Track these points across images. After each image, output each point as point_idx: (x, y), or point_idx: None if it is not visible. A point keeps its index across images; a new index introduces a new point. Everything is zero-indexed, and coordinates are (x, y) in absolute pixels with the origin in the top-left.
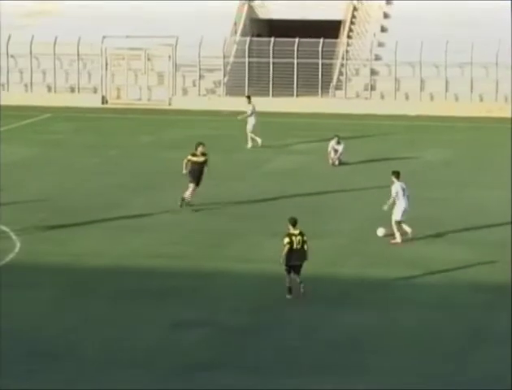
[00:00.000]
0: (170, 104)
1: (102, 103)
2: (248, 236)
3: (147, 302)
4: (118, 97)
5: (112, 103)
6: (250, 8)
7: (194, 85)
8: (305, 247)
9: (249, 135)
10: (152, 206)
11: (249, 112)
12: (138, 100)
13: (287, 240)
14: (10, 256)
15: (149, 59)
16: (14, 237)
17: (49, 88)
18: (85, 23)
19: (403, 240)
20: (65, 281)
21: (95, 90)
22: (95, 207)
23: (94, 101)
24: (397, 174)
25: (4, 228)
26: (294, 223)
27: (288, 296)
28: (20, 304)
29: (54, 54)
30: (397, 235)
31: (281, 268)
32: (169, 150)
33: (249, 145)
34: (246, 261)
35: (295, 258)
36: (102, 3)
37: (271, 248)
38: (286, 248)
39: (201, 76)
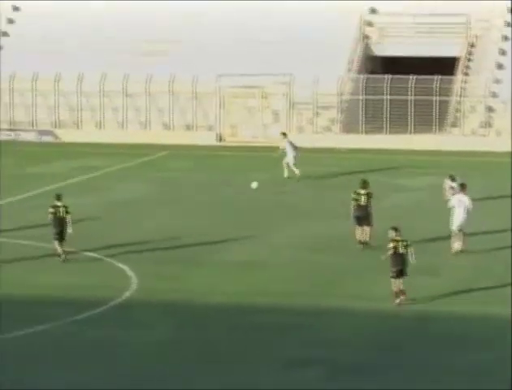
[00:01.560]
0: None
1: (218, 141)
2: (363, 273)
3: (261, 339)
4: (233, 134)
5: (228, 141)
6: (365, 45)
7: (310, 123)
8: (409, 251)
9: (284, 165)
10: (265, 244)
11: (285, 147)
12: (254, 138)
13: (391, 245)
14: (127, 294)
15: (264, 97)
16: (130, 275)
17: (166, 126)
18: (201, 62)
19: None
20: (179, 318)
21: (211, 128)
22: (209, 244)
23: (210, 139)
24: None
25: (121, 266)
26: (396, 229)
27: (397, 301)
28: (136, 340)
29: (171, 92)
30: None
31: (397, 306)
32: (283, 188)
33: (285, 174)
34: (362, 298)
35: (399, 263)
36: (218, 42)
37: (386, 285)
38: (390, 252)
39: (316, 114)
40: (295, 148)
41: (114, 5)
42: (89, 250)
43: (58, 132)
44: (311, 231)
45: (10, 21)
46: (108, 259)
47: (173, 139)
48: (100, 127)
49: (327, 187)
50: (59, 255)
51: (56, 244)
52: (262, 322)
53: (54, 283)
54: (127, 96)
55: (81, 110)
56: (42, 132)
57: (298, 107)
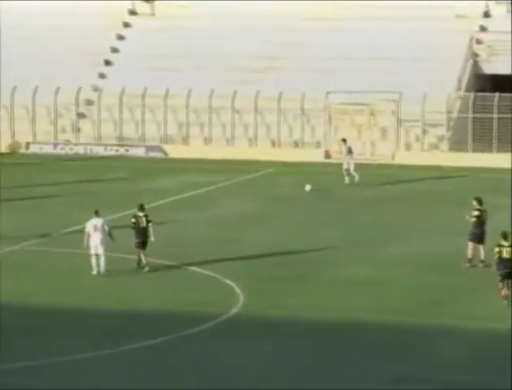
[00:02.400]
0: (393, 159)
1: (325, 158)
2: (472, 292)
3: (367, 356)
4: (341, 151)
5: (335, 158)
6: (474, 63)
7: (417, 140)
8: None
9: (344, 172)
10: (373, 261)
11: (344, 152)
12: (361, 155)
13: (496, 249)
14: (234, 310)
15: (372, 114)
16: (238, 291)
17: (273, 143)
18: (310, 79)
19: None
20: (283, 335)
21: (318, 145)
22: (316, 260)
23: (317, 156)
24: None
25: (229, 282)
26: (505, 235)
27: (505, 303)
28: (241, 357)
29: (279, 109)
30: None
31: (505, 326)
32: (392, 205)
33: (346, 180)
34: (469, 317)
35: (504, 266)
36: (326, 59)
37: (495, 305)
38: (496, 256)
39: (424, 131)
40: (350, 153)
41: (222, 22)
42: (197, 266)
43: (166, 147)
44: (419, 248)
45: (121, 37)
46: (215, 275)
47: (280, 156)
48: (208, 143)
49: (434, 204)
50: (138, 263)
51: (139, 253)
52: (367, 340)
53: (163, 297)
54: (235, 112)
55: (189, 125)
56: (151, 148)
57: (406, 125)
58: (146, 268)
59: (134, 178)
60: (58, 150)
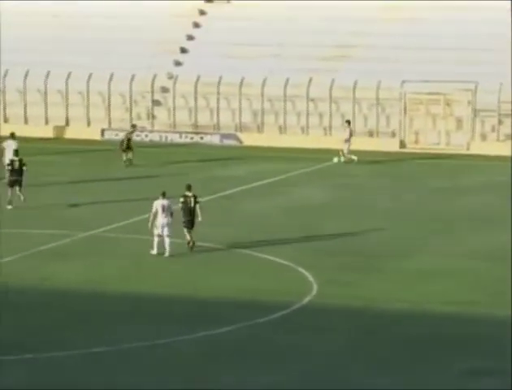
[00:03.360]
0: (468, 149)
1: (400, 147)
2: None
3: (440, 348)
4: (416, 141)
5: (410, 147)
6: None
7: (493, 131)
8: None
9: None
10: (448, 252)
11: (347, 136)
12: (436, 144)
13: None
14: (307, 298)
15: (447, 104)
16: (311, 280)
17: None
18: (385, 68)
19: None
20: (356, 324)
21: (393, 134)
22: (389, 251)
23: (392, 146)
24: None
25: (302, 271)
26: None
27: None
28: (314, 346)
29: (354, 98)
30: None
31: None
32: (466, 196)
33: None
34: None
35: None
36: (402, 48)
37: None
38: None
39: (500, 122)
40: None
41: (298, 11)
42: (270, 254)
43: (240, 135)
44: (493, 239)
45: (196, 25)
46: (289, 263)
47: (355, 145)
48: (282, 132)
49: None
50: (188, 242)
51: (186, 231)
52: (442, 331)
53: (236, 285)
54: (310, 101)
55: (264, 114)
56: (225, 136)
57: (482, 115)
58: (190, 245)
59: (209, 165)
60: (134, 137)
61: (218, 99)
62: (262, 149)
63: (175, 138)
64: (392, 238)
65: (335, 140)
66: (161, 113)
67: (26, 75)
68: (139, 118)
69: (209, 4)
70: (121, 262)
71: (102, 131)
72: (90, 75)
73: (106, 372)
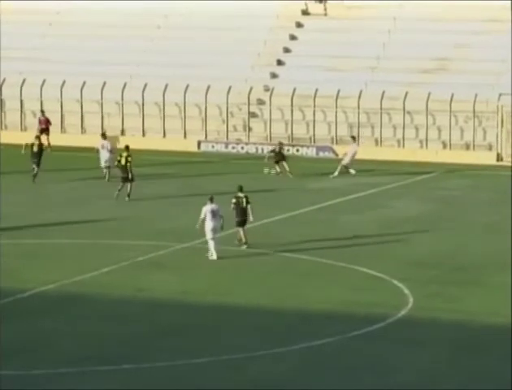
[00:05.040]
0: None
1: (497, 160)
2: None
3: None
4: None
5: (507, 161)
6: None
7: None
8: None
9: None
10: None
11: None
12: None
13: None
14: (403, 311)
15: None
16: (407, 292)
17: (444, 145)
18: (482, 81)
19: None
20: (455, 339)
21: (490, 147)
22: (488, 264)
23: (489, 159)
24: None
25: (397, 284)
26: None
27: None
28: (409, 360)
29: (450, 111)
30: None
31: None
32: None
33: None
34: None
35: None
36: (499, 60)
37: None
38: None
39: None
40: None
41: (393, 24)
42: (365, 266)
43: (336, 148)
44: None
45: (293, 38)
46: (384, 276)
47: (451, 158)
48: (378, 144)
49: None
50: (239, 240)
51: (239, 231)
52: None
53: (331, 297)
54: (406, 113)
55: (360, 126)
56: (321, 148)
57: None
58: (244, 246)
59: (304, 177)
60: (230, 149)
61: (314, 111)
62: (358, 161)
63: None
64: (490, 251)
65: (430, 153)
66: (257, 125)
67: (124, 87)
68: (235, 130)
69: (306, 17)
70: (218, 273)
71: (199, 143)
72: (187, 87)
73: (209, 383)
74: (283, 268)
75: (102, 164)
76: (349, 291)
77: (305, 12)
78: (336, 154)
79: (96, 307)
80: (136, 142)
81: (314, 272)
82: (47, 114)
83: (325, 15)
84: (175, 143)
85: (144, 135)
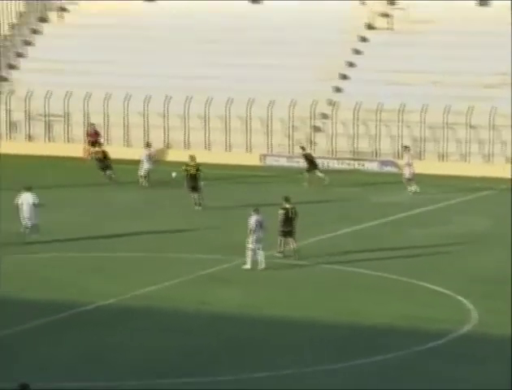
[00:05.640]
0: None
1: None
2: None
3: None
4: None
5: None
6: None
7: None
8: None
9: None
10: None
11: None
12: None
13: None
14: (466, 327)
15: None
16: (470, 308)
17: (507, 160)
18: None
19: None
20: None
21: None
22: None
23: None
24: None
25: (460, 299)
26: None
27: None
28: (472, 376)
29: None
30: None
31: None
32: None
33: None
34: None
35: None
36: None
37: None
38: None
39: None
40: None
41: (458, 38)
42: (427, 281)
43: (400, 162)
44: None
45: (357, 52)
46: (446, 291)
47: None
48: (442, 159)
49: None
50: (281, 251)
51: (286, 241)
52: None
53: (392, 312)
54: (470, 128)
55: (424, 141)
56: (384, 162)
57: None
58: (297, 256)
59: (368, 192)
60: (293, 163)
61: (377, 126)
62: (422, 176)
63: (335, 164)
64: None
65: (495, 169)
66: (321, 139)
67: (188, 101)
68: (299, 143)
69: (370, 31)
70: (279, 287)
71: (262, 156)
72: (251, 101)
73: None
74: (345, 282)
75: (142, 173)
76: (412, 305)
77: (369, 26)
78: (399, 168)
79: (159, 320)
80: (201, 156)
81: (376, 286)
82: (115, 128)
83: (390, 28)
84: (239, 157)
85: (208, 148)
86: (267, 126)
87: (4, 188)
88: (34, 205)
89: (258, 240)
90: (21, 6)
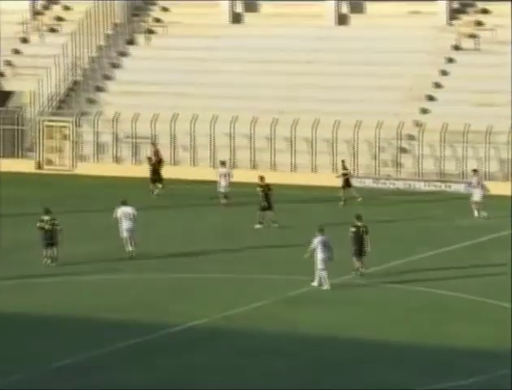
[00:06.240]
0: None
1: None
2: None
3: None
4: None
5: None
6: None
7: None
8: None
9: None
10: None
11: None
12: None
13: None
14: None
15: None
16: None
17: None
18: None
19: None
20: None
21: None
22: None
23: None
24: None
25: None
26: None
27: None
28: None
29: None
30: None
31: None
32: None
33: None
34: None
35: None
36: None
37: None
38: None
39: None
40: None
41: None
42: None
43: (488, 184)
44: None
45: (444, 73)
46: None
47: None
48: None
49: None
50: (357, 269)
51: (354, 259)
52: None
53: (479, 335)
54: None
55: None
56: (471, 184)
57: None
58: (358, 272)
59: (454, 214)
60: (380, 185)
61: (464, 147)
62: (509, 198)
63: (421, 186)
64: None
65: None
66: (407, 160)
67: (275, 123)
68: (385, 165)
69: (457, 52)
70: (368, 308)
71: None
72: (337, 123)
73: None
74: (431, 304)
75: (221, 190)
76: (499, 328)
77: (456, 47)
78: (487, 190)
79: (249, 342)
80: (286, 177)
81: (461, 309)
82: (202, 148)
83: (477, 49)
84: (325, 178)
85: (293, 170)
86: (353, 147)
87: (94, 210)
88: (133, 216)
89: (323, 260)
90: (109, 29)
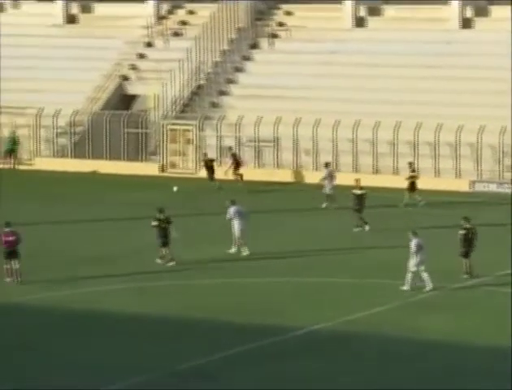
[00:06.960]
0: None
1: None
2: None
3: None
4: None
5: None
6: None
7: None
8: None
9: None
10: None
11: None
12: None
13: None
14: None
15: None
16: None
17: None
18: None
19: None
20: None
21: None
22: None
23: None
24: None
25: None
26: None
27: None
28: None
29: None
30: None
31: None
32: None
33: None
34: None
35: None
36: None
37: None
38: None
39: None
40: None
41: None
42: None
43: None
44: None
45: None
46: None
47: None
48: None
49: None
50: (466, 272)
51: (463, 261)
52: None
53: None
54: None
55: None
56: None
57: None
58: (465, 276)
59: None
60: (503, 189)
61: None
62: None
63: None
64: None
65: None
66: None
67: (398, 127)
68: (508, 170)
69: None
70: (485, 314)
71: (472, 182)
72: (461, 127)
73: None
74: None
75: (327, 191)
76: None
77: None
78: None
79: (370, 346)
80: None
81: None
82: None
83: None
84: (448, 183)
85: (396, 173)
86: (477, 152)
87: (213, 213)
88: (245, 215)
89: (420, 263)
90: (232, 33)
